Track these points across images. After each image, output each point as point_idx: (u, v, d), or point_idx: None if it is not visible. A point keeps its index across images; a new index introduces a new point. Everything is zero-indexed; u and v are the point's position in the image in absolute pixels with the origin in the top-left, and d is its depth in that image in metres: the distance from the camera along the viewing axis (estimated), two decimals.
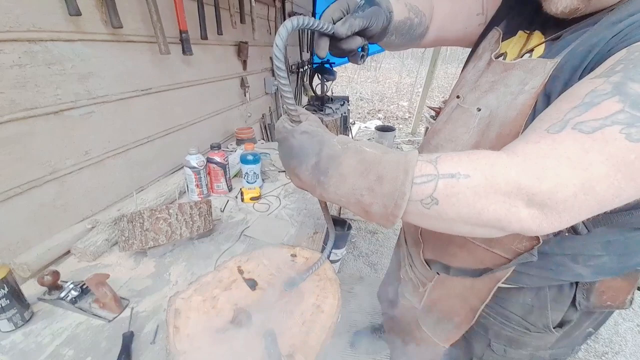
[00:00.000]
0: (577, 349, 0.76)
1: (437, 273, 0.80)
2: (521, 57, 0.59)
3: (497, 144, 0.50)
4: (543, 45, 0.56)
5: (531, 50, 0.58)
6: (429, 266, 0.81)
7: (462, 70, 0.75)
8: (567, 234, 0.57)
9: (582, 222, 0.54)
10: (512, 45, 0.62)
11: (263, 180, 1.38)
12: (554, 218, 0.36)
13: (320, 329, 0.63)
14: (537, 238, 0.58)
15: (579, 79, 0.45)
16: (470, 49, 0.77)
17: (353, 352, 1.53)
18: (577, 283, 0.64)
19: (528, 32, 0.60)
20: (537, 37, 0.58)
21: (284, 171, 1.49)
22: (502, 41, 0.64)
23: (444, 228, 0.42)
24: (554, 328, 0.68)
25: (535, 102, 0.52)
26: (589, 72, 0.44)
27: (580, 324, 0.69)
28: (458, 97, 0.69)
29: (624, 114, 0.34)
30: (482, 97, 0.62)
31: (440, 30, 0.74)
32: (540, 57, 0.55)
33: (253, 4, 1.86)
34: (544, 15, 0.53)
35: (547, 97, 0.50)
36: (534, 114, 0.51)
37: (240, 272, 0.76)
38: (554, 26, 0.55)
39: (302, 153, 0.44)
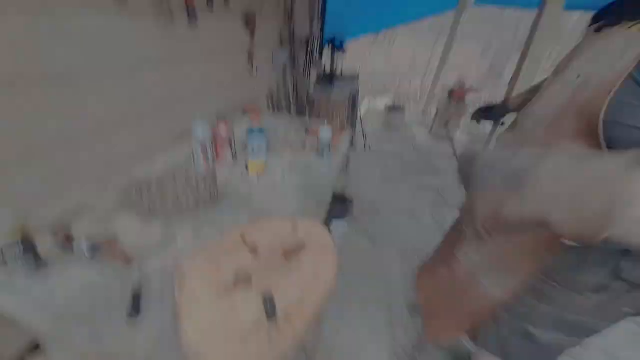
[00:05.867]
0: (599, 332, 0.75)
1: None
2: None
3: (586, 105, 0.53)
4: None
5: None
6: None
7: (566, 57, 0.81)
8: None
9: None
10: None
11: (268, 153, 1.40)
12: None
13: (317, 294, 0.66)
14: None
15: None
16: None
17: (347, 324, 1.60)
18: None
19: (631, 23, 0.64)
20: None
21: (290, 146, 1.50)
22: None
23: None
24: (588, 292, 0.69)
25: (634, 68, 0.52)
26: None
27: (617, 297, 0.68)
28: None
29: None
30: (584, 65, 0.67)
31: None
32: None
33: None
34: None
35: None
36: (634, 79, 0.52)
37: (244, 240, 0.79)
38: None
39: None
